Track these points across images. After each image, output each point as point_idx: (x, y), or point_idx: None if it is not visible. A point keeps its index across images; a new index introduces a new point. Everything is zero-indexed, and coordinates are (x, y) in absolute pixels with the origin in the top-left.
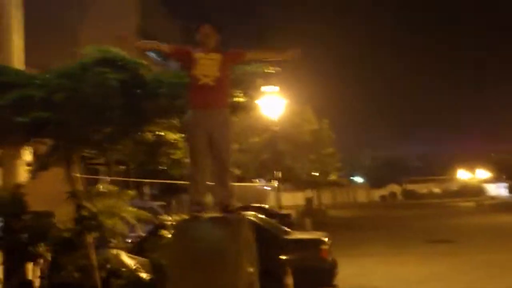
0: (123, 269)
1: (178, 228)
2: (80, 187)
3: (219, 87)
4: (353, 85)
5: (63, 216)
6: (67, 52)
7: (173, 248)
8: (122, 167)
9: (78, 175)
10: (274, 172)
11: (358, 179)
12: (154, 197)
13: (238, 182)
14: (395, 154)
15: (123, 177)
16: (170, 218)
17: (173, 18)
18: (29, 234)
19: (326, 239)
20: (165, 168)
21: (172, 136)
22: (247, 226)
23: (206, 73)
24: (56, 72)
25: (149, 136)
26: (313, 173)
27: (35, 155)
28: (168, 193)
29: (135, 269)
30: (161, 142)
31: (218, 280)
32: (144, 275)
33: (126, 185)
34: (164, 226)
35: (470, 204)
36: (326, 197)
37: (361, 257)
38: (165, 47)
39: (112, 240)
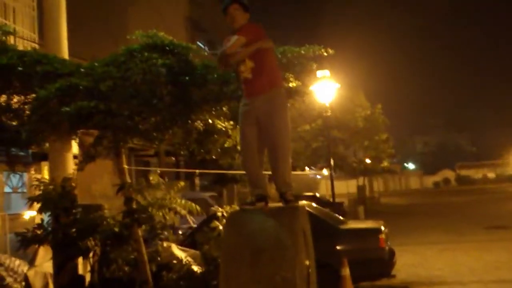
0: (174, 262)
1: (230, 220)
2: (128, 179)
3: (258, 75)
4: (405, 71)
5: (113, 209)
6: (117, 42)
7: (226, 242)
8: (172, 158)
9: (126, 167)
10: (331, 160)
11: (410, 166)
12: (205, 188)
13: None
14: (448, 139)
15: (173, 168)
16: (221, 209)
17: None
18: (78, 228)
19: (383, 228)
20: (214, 158)
21: (222, 124)
22: (303, 216)
23: (241, 69)
24: (103, 61)
25: (198, 124)
26: (366, 160)
27: (82, 147)
28: (219, 183)
29: (186, 262)
30: (210, 131)
31: (275, 275)
32: (195, 267)
33: (176, 176)
34: (216, 217)
35: None
36: (378, 185)
37: (419, 246)
38: None
39: (162, 233)
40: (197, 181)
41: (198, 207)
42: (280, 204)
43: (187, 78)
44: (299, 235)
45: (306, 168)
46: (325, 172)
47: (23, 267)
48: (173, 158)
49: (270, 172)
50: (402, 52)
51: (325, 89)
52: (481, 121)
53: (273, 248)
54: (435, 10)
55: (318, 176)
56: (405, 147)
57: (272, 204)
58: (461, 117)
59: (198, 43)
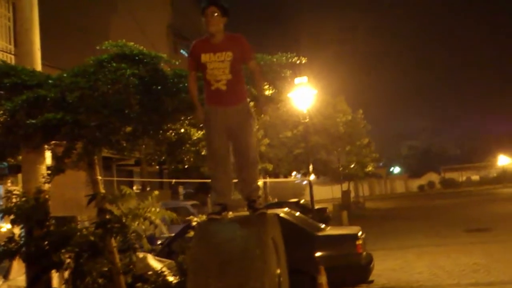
0: (150, 273)
1: (198, 231)
2: (103, 190)
3: (232, 88)
4: (387, 75)
5: (87, 220)
6: (97, 51)
7: (194, 252)
8: (156, 167)
9: (100, 177)
10: (310, 166)
11: (396, 170)
12: (189, 196)
13: (272, 177)
14: (433, 142)
15: (156, 177)
16: (196, 218)
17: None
18: (51, 240)
19: (359, 234)
20: (186, 166)
21: (195, 133)
22: (273, 224)
23: (218, 78)
24: (72, 71)
25: (169, 134)
26: (350, 165)
27: (54, 158)
28: (202, 191)
29: (161, 272)
30: (182, 140)
31: (243, 285)
32: (171, 278)
33: (160, 185)
34: (191, 227)
35: (510, 190)
36: (364, 189)
37: (401, 250)
38: (191, 85)
39: (136, 243)
40: (181, 189)
41: (174, 215)
42: (247, 213)
43: (159, 87)
44: (268, 244)
45: (293, 173)
46: (312, 177)
47: None
48: (157, 167)
49: (236, 180)
50: (386, 56)
51: (302, 95)
52: (465, 123)
53: (241, 258)
54: (414, 12)
55: (304, 182)
56: (391, 152)
57: (240, 213)
58: (446, 120)
59: (182, 51)
